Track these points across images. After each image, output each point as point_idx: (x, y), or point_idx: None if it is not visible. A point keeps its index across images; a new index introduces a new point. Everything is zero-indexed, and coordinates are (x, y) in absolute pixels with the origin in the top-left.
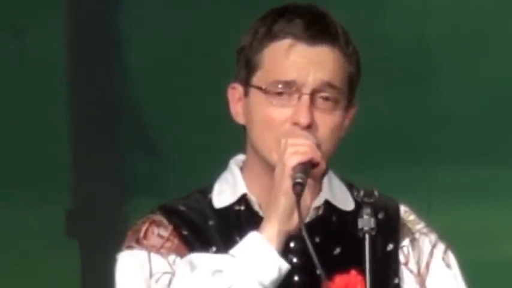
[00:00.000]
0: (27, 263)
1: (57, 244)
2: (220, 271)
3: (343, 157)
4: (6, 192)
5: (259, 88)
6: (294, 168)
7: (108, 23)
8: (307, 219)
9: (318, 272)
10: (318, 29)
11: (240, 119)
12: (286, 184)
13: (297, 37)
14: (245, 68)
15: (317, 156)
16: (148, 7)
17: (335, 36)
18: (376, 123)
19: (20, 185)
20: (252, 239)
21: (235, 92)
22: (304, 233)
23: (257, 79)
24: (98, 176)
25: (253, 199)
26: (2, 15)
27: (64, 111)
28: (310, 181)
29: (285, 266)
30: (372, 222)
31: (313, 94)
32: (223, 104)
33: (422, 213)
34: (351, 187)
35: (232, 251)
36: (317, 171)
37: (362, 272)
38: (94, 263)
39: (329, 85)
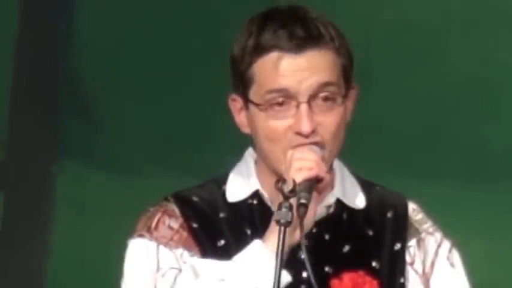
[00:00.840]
0: None
1: None
2: (223, 280)
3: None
4: None
5: (257, 105)
6: (300, 185)
7: None
8: (318, 217)
9: (326, 269)
10: (301, 36)
11: (245, 128)
12: (292, 200)
13: (283, 49)
14: (240, 82)
15: (322, 171)
16: None
17: (319, 37)
18: None
19: None
20: (256, 248)
21: (236, 103)
22: (304, 251)
23: (253, 94)
24: (31, 134)
25: (265, 195)
26: None
27: (8, 67)
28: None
29: (287, 279)
30: (289, 216)
31: (310, 100)
32: (162, 77)
33: None
34: (364, 184)
35: (236, 257)
36: (322, 185)
37: (370, 271)
38: (16, 217)
39: (324, 84)
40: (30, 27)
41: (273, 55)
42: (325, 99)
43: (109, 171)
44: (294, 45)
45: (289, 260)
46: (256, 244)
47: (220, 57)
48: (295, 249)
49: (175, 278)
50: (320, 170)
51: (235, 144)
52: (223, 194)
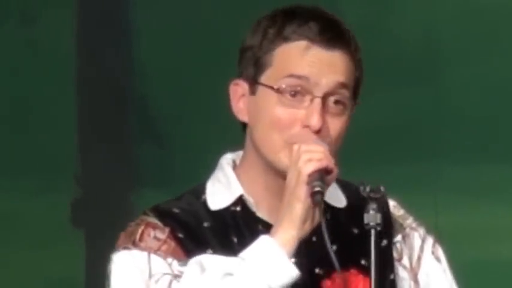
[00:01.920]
0: (33, 253)
1: (63, 234)
2: (230, 274)
3: (350, 154)
4: (13, 181)
5: (271, 87)
6: (310, 176)
7: (119, 13)
8: None
9: (317, 271)
10: (333, 33)
11: (242, 116)
12: (302, 191)
13: (313, 40)
14: (253, 66)
15: (331, 163)
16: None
17: (348, 41)
18: (384, 121)
19: (28, 174)
20: (263, 243)
21: (238, 88)
22: (327, 239)
23: (267, 78)
24: (104, 166)
25: (250, 200)
26: (11, 3)
27: (73, 100)
28: None
29: (295, 273)
30: (377, 218)
31: (325, 98)
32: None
33: (429, 210)
34: (342, 183)
35: (242, 254)
36: (331, 178)
37: (361, 269)
38: (99, 253)
39: (343, 85)
40: (91, 57)
41: (301, 43)
42: (337, 102)
43: None
44: (324, 39)
45: (304, 246)
46: (264, 239)
47: None
48: (302, 242)
49: (170, 282)
50: (329, 162)
51: None
52: (204, 203)
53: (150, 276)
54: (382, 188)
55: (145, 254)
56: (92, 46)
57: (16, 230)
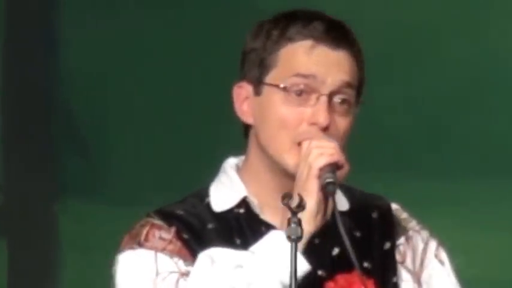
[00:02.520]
0: None
1: None
2: (240, 266)
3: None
4: None
5: (277, 86)
6: (322, 169)
7: (45, 22)
8: None
9: (319, 273)
10: (338, 33)
11: (246, 118)
12: (313, 185)
13: (318, 39)
14: (258, 68)
15: (342, 158)
16: (87, 7)
17: (352, 42)
18: None
19: None
20: (274, 237)
21: (241, 90)
22: (342, 231)
23: (272, 78)
24: (28, 175)
25: (254, 201)
26: None
27: None
28: None
29: (306, 266)
30: (298, 231)
31: (331, 96)
32: (155, 105)
33: None
34: (344, 188)
35: (253, 248)
36: (342, 173)
37: (364, 272)
38: (21, 263)
39: (348, 85)
40: (16, 65)
41: (307, 42)
42: (342, 102)
43: (111, 205)
44: (331, 38)
45: (307, 248)
46: (275, 233)
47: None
48: (314, 236)
49: (177, 280)
50: (340, 157)
51: None
52: (208, 205)
53: (157, 274)
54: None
55: (151, 252)
56: (18, 53)
57: None
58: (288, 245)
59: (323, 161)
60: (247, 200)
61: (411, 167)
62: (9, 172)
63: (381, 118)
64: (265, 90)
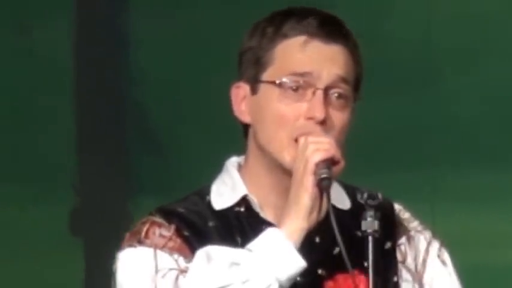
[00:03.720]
0: (32, 262)
1: (62, 243)
2: (237, 264)
3: (349, 160)
4: (12, 190)
5: (273, 83)
6: (317, 165)
7: (115, 24)
8: None
9: (320, 271)
10: (331, 27)
11: (244, 117)
12: (309, 181)
13: (312, 34)
14: (254, 66)
15: (338, 154)
16: (156, 8)
17: (347, 36)
18: (381, 126)
19: (26, 183)
20: (270, 234)
21: (239, 90)
22: (335, 227)
23: (268, 75)
24: (102, 175)
25: (254, 200)
26: (9, 13)
27: (70, 110)
28: None
29: (302, 263)
30: (375, 225)
31: (326, 90)
32: (230, 104)
33: (425, 216)
34: (347, 187)
35: (249, 245)
36: (337, 169)
37: (364, 271)
38: (98, 262)
39: (343, 80)
40: (88, 67)
41: (300, 38)
42: (339, 96)
43: None
44: (324, 33)
45: (307, 247)
46: (271, 230)
47: None
48: (309, 233)
49: (177, 277)
50: (336, 152)
51: None
52: (209, 204)
53: (157, 271)
54: (379, 195)
55: (151, 250)
56: (89, 56)
57: (15, 238)
58: (285, 240)
59: (319, 156)
60: (248, 198)
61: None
62: (84, 174)
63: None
64: (262, 88)
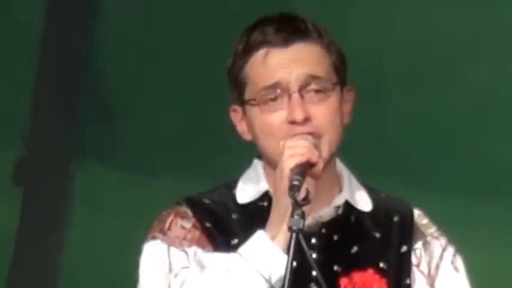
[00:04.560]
0: None
1: (3, 190)
2: (228, 270)
3: None
4: None
5: (250, 101)
6: (292, 170)
7: None
8: (327, 218)
9: (335, 268)
10: (288, 29)
11: (246, 136)
12: (285, 185)
13: (271, 43)
14: (235, 87)
15: (314, 156)
16: None
17: (306, 31)
18: None
19: None
20: (257, 237)
21: (236, 114)
22: (294, 236)
23: (247, 95)
24: (52, 134)
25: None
26: None
27: (32, 65)
28: (327, 181)
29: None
30: (300, 224)
31: (301, 90)
32: (183, 79)
33: None
34: (370, 190)
35: (239, 249)
36: (315, 170)
37: (379, 271)
38: (33, 214)
39: (313, 77)
40: (55, 27)
41: (262, 51)
42: (317, 91)
43: (126, 172)
44: (281, 38)
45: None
46: (258, 235)
47: None
48: (308, 249)
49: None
50: (312, 155)
51: (251, 150)
52: (234, 196)
53: (170, 270)
54: (399, 200)
55: (166, 247)
56: (58, 21)
57: None
58: (270, 244)
59: (293, 162)
60: (270, 194)
61: None
62: (35, 127)
63: None
64: (247, 108)
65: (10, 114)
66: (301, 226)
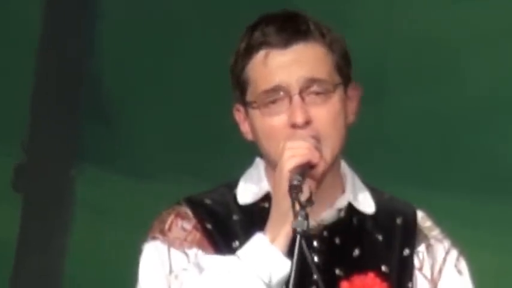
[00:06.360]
0: None
1: (2, 196)
2: (227, 273)
3: None
4: None
5: (251, 104)
6: (292, 171)
7: None
8: (329, 221)
9: (337, 271)
10: (289, 30)
11: (249, 136)
12: (285, 187)
13: (271, 44)
14: (237, 87)
15: (315, 157)
16: None
17: (307, 31)
18: None
19: None
20: (256, 240)
21: (239, 113)
22: (298, 238)
23: (249, 96)
24: (52, 138)
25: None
26: None
27: (31, 69)
28: (330, 182)
29: (288, 266)
30: (304, 225)
31: (302, 92)
32: (182, 84)
33: None
34: (374, 191)
35: (239, 252)
36: (316, 172)
37: (380, 274)
38: (33, 218)
39: (313, 80)
40: (54, 31)
41: (262, 53)
42: (318, 93)
43: (127, 176)
44: (282, 39)
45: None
46: (257, 237)
47: None
48: (310, 252)
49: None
50: (313, 156)
51: (250, 151)
52: (235, 197)
53: (171, 271)
54: (403, 202)
55: (167, 248)
56: (58, 22)
57: None
58: (269, 246)
59: (293, 163)
60: (271, 195)
61: None
62: (34, 133)
63: None
64: (249, 109)
65: (9, 119)
66: (305, 228)
